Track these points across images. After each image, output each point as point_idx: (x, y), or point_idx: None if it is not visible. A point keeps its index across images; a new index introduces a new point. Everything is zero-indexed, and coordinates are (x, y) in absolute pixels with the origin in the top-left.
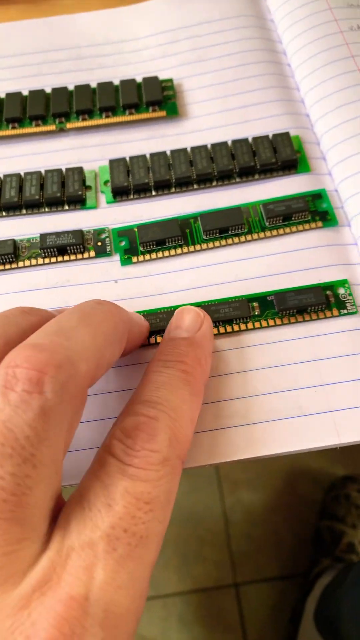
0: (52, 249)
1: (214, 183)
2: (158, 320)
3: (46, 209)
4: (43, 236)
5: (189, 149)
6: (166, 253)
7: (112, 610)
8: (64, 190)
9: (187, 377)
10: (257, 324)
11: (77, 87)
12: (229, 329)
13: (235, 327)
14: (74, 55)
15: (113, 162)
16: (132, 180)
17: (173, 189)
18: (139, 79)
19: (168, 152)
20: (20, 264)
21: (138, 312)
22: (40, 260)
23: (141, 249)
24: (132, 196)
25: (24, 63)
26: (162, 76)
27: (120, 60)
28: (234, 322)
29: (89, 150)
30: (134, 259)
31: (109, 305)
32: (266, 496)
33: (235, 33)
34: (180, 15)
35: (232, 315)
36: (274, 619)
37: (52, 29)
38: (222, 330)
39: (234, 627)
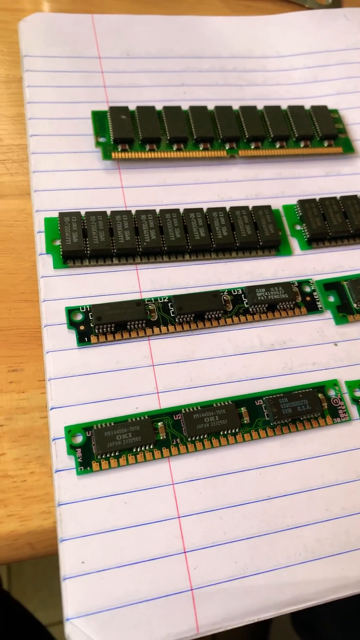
0: (262, 305)
1: None
2: None
3: (237, 254)
4: (251, 289)
5: None
6: None
7: None
8: (258, 232)
9: None
10: None
11: (243, 109)
12: None
13: None
14: (217, 66)
15: (305, 204)
16: (329, 226)
17: None
18: (307, 106)
19: (359, 195)
20: (229, 320)
21: None
22: (250, 317)
23: (355, 306)
24: (327, 243)
25: (161, 68)
26: (318, 103)
27: (269, 79)
28: None
29: (264, 183)
30: (350, 318)
31: None
32: None
33: None
34: (322, 35)
35: None
36: None
37: (181, 30)
38: None
39: None
